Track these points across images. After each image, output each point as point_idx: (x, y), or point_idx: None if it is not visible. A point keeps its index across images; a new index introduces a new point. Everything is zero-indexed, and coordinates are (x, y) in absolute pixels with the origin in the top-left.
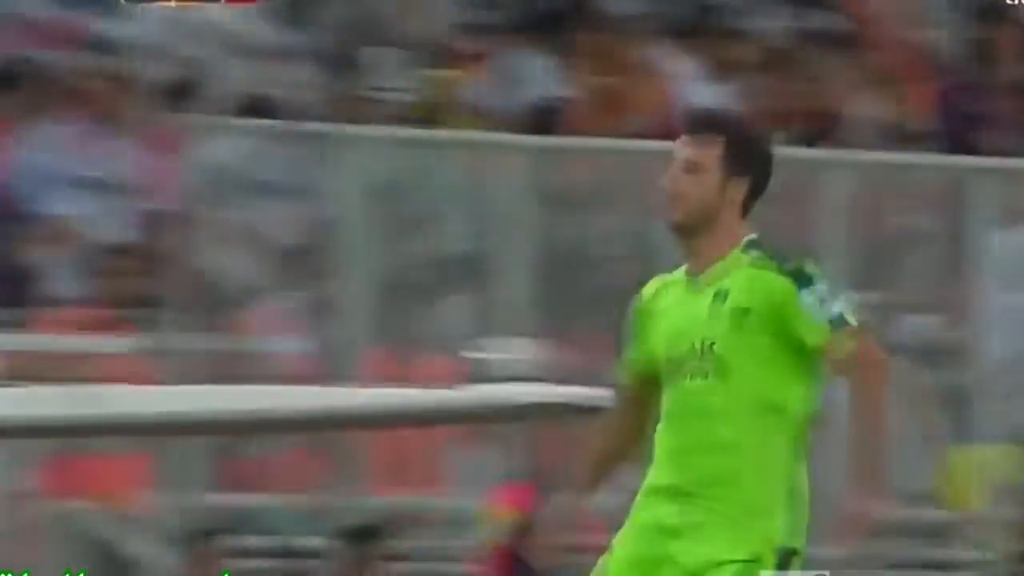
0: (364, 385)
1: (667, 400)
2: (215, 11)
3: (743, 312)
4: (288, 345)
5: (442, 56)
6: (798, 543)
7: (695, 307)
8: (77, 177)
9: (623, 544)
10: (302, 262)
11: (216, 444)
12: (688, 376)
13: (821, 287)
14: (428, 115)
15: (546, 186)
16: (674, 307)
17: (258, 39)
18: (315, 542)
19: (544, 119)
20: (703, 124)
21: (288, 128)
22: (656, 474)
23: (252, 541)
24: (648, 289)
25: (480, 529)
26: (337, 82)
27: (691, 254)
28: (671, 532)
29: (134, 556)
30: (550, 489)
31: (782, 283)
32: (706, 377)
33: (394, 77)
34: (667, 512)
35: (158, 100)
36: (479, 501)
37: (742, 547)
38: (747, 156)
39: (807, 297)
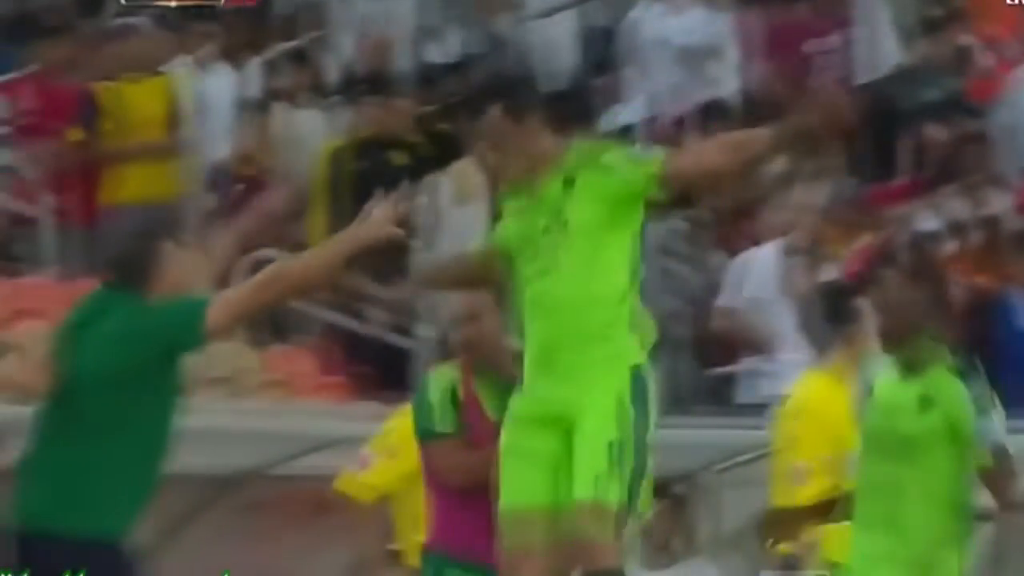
0: None
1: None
2: None
3: (574, 183)
4: None
5: None
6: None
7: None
8: None
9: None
10: None
11: None
12: (537, 269)
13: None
14: None
15: None
16: (518, 212)
17: None
18: None
19: None
20: (478, 101)
21: None
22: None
23: None
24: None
25: None
26: None
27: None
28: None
29: None
30: None
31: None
32: (551, 268)
33: None
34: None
35: None
36: None
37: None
38: (521, 107)
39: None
